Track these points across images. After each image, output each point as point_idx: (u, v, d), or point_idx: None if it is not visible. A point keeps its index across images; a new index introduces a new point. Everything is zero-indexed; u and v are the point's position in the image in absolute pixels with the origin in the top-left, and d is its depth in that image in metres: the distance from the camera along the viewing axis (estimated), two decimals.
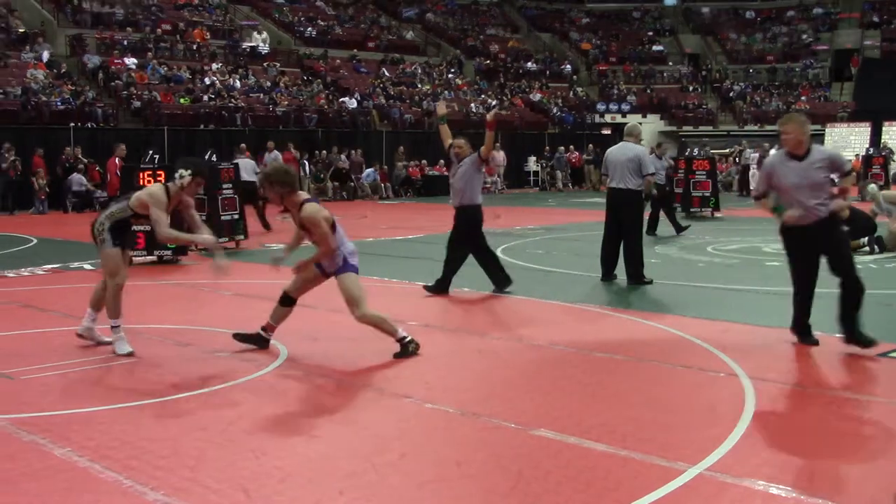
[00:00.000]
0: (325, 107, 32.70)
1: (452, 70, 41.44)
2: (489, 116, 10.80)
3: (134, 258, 12.96)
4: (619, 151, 10.95)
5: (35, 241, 16.29)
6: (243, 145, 21.78)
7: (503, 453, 4.95)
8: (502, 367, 7.04)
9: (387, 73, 37.86)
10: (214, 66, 32.98)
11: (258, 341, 7.39)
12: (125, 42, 32.11)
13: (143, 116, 28.43)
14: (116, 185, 15.83)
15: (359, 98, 34.15)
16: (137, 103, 28.61)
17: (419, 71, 39.50)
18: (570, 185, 34.76)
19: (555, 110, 40.15)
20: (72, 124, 25.96)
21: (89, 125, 26.59)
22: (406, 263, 13.18)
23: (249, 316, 9.06)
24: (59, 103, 26.54)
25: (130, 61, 30.86)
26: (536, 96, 41.01)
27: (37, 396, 6.16)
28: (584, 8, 51.84)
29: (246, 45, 35.88)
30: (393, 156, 31.59)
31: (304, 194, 7.11)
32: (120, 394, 6.22)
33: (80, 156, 24.48)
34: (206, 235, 7.58)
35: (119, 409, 5.85)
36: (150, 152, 14.10)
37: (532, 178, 35.65)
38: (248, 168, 18.62)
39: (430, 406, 5.83)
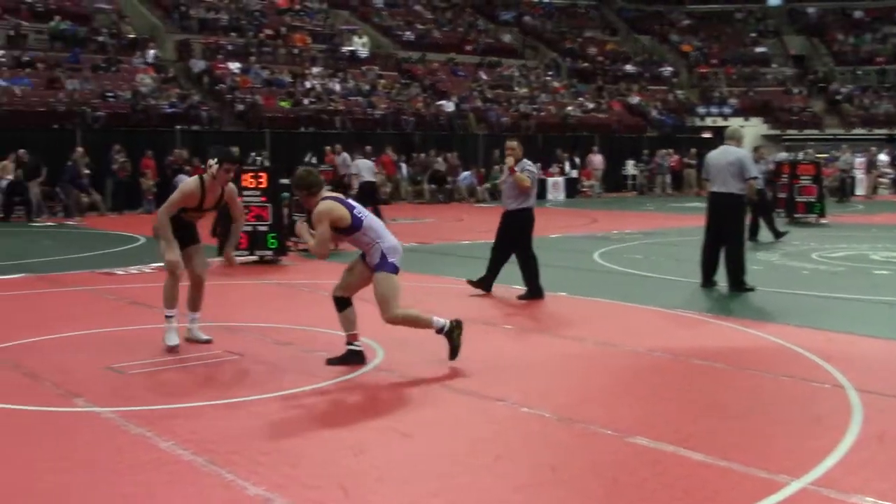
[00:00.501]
0: (423, 110, 32.93)
1: (550, 73, 41.27)
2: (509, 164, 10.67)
3: (237, 258, 13.26)
4: (720, 155, 10.74)
5: (143, 240, 16.81)
6: (369, 148, 21.94)
7: (599, 460, 4.91)
8: (599, 372, 6.98)
9: (484, 77, 37.92)
10: (315, 69, 33.54)
11: (352, 357, 7.01)
12: (229, 47, 32.93)
13: (246, 119, 29.10)
14: None
15: (456, 101, 34.29)
16: (241, 106, 29.30)
17: (516, 74, 39.43)
18: (667, 189, 34.19)
19: (653, 113, 39.61)
20: (178, 127, 26.73)
21: (195, 128, 27.34)
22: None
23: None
24: (166, 106, 27.36)
25: (234, 65, 31.63)
26: (635, 99, 40.51)
27: (144, 391, 6.37)
28: (684, 9, 50.99)
29: (345, 49, 36.40)
30: (490, 159, 31.62)
31: (326, 194, 6.94)
32: (223, 390, 6.38)
33: (186, 157, 25.19)
34: (175, 253, 7.41)
35: (222, 404, 5.99)
36: (253, 154, 14.42)
37: (630, 181, 35.24)
38: (367, 168, 18.94)
39: (526, 410, 5.81)
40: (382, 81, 34.46)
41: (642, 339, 7.92)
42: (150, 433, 5.32)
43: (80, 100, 26.04)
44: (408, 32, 39.44)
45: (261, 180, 13.34)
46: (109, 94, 27.07)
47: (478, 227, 19.43)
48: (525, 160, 10.77)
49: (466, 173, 29.94)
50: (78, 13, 31.99)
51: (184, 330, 7.73)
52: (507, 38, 43.26)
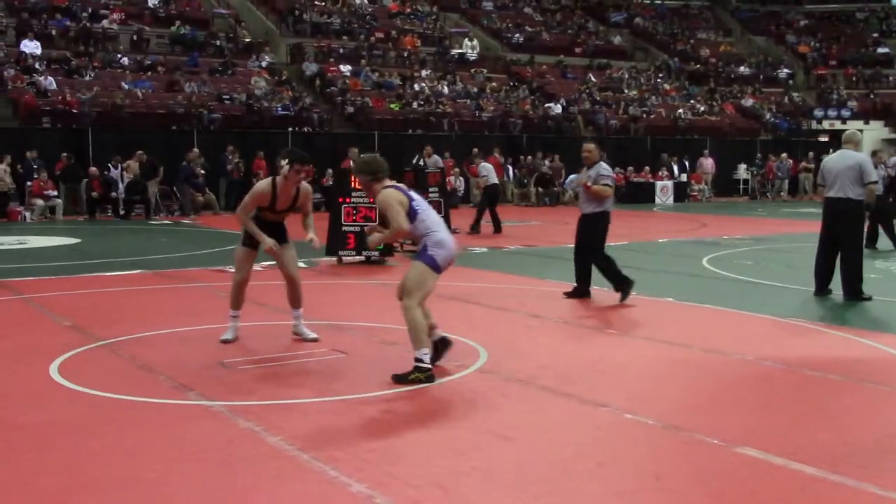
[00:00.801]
0: (531, 112, 32.85)
1: (661, 75, 40.64)
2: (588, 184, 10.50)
3: (344, 258, 13.49)
4: (838, 159, 10.38)
5: None
6: (498, 151, 21.85)
7: (705, 469, 4.80)
8: (706, 380, 6.84)
9: (593, 79, 37.58)
10: (424, 72, 33.84)
11: (442, 346, 7.00)
12: (341, 50, 33.49)
13: (356, 121, 29.54)
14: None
15: (564, 103, 34.09)
16: (351, 109, 29.76)
17: (626, 76, 38.97)
18: (783, 194, 33.24)
19: (767, 116, 38.58)
20: (290, 129, 27.32)
21: (306, 129, 27.90)
22: None
23: (450, 317, 9.23)
24: (279, 109, 27.99)
25: (345, 68, 32.16)
26: (748, 102, 39.54)
27: (253, 385, 6.53)
28: (802, 9, 49.51)
29: (455, 51, 36.58)
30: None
31: (388, 182, 6.87)
32: (329, 387, 6.48)
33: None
34: (268, 238, 7.54)
35: (327, 401, 6.10)
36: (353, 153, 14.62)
37: (741, 186, 34.40)
38: (492, 170, 19.06)
39: (630, 416, 5.73)
40: (491, 84, 34.51)
41: (752, 348, 7.72)
42: (259, 428, 5.45)
43: (198, 102, 26.88)
44: (517, 35, 39.40)
45: None
46: (225, 97, 27.86)
47: None
48: (601, 163, 10.68)
49: (574, 176, 29.69)
50: (197, 18, 33.03)
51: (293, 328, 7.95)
52: (617, 39, 42.78)
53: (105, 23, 30.48)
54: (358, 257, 13.54)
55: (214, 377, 6.77)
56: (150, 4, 32.42)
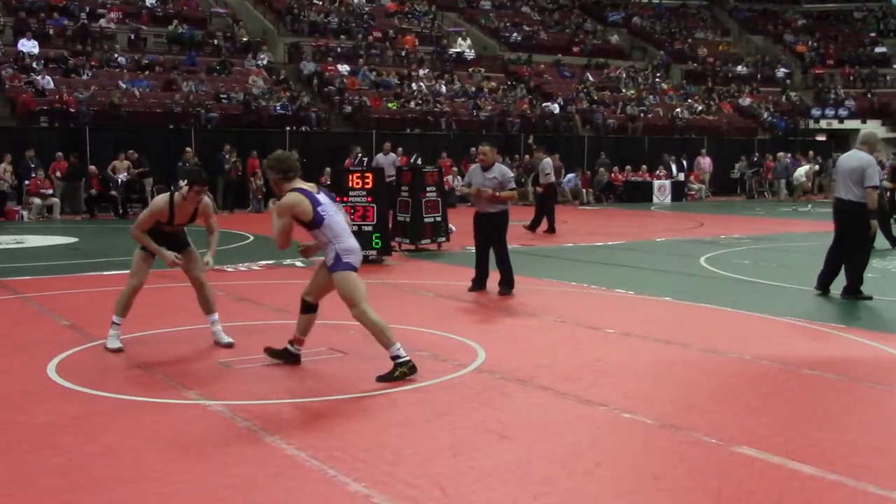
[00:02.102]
0: (528, 111, 32.86)
1: (658, 74, 40.66)
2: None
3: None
4: (846, 159, 10.38)
5: (251, 238, 17.24)
6: (557, 155, 21.57)
7: (703, 469, 4.81)
8: (704, 379, 6.84)
9: (591, 78, 37.60)
10: (422, 71, 33.84)
11: (287, 356, 7.04)
12: (339, 49, 33.49)
13: (354, 121, 29.54)
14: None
15: (562, 103, 34.10)
16: (348, 108, 29.75)
17: (624, 75, 38.99)
18: (781, 194, 33.19)
19: (765, 115, 38.61)
20: (287, 128, 27.32)
21: (304, 129, 27.89)
22: (605, 270, 13.03)
23: (448, 316, 9.24)
24: (277, 108, 27.98)
25: (343, 68, 32.15)
26: (746, 101, 39.57)
27: (251, 385, 6.53)
28: (800, 9, 49.54)
29: (452, 51, 36.58)
30: (594, 161, 31.33)
31: (299, 184, 6.75)
32: (326, 387, 6.49)
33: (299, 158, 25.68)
34: (167, 252, 7.51)
35: (325, 401, 6.10)
36: (360, 155, 14.63)
37: (739, 185, 34.42)
38: (548, 168, 19.01)
39: (628, 416, 5.74)
40: (489, 83, 34.51)
41: (749, 347, 7.73)
42: (257, 427, 5.45)
43: (195, 101, 26.86)
44: (514, 34, 39.41)
45: (367, 181, 13.52)
46: (223, 96, 27.85)
47: (581, 230, 19.29)
48: (499, 164, 10.95)
49: (571, 175, 29.72)
50: (195, 17, 33.02)
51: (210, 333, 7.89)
52: (614, 39, 42.80)
53: (103, 22, 30.46)
54: None
55: (212, 376, 6.78)
56: (147, 3, 32.39)
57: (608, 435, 5.42)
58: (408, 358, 6.62)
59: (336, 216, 6.75)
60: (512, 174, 11.05)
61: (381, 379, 6.53)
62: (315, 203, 6.63)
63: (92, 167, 23.05)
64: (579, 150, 31.83)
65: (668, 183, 30.80)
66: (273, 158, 6.88)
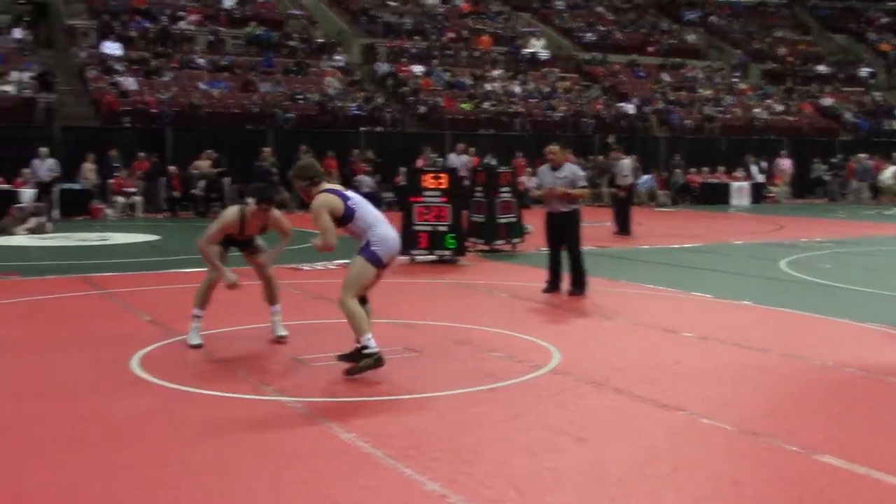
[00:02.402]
0: (603, 112, 32.60)
1: (736, 74, 39.96)
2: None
3: (416, 257, 13.55)
4: None
5: None
6: (634, 156, 21.27)
7: (784, 477, 4.71)
8: (784, 385, 6.70)
9: (667, 78, 37.13)
10: (495, 72, 33.80)
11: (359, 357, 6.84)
12: (413, 50, 33.64)
13: (428, 121, 29.65)
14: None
15: (637, 103, 33.75)
16: (422, 108, 29.88)
17: (701, 75, 38.40)
18: (864, 197, 32.30)
19: (847, 116, 37.67)
20: (362, 128, 27.54)
21: (378, 129, 28.09)
22: (682, 273, 12.86)
23: (522, 317, 9.21)
24: (352, 108, 28.23)
25: (417, 68, 32.29)
26: (827, 101, 38.65)
27: (327, 382, 6.60)
28: (883, 6, 48.18)
29: (526, 51, 36.48)
30: (670, 162, 30.94)
31: (326, 185, 6.95)
32: (401, 385, 6.52)
33: (370, 157, 25.89)
34: (230, 274, 7.57)
35: (400, 399, 6.13)
36: (433, 155, 14.68)
37: (819, 187, 33.62)
38: (626, 169, 18.90)
39: (707, 421, 5.65)
40: (563, 83, 34.34)
41: (832, 353, 7.55)
42: (333, 424, 5.50)
43: (272, 102, 27.24)
44: (589, 34, 39.13)
45: (441, 181, 13.56)
46: (299, 97, 28.19)
47: (656, 232, 19.06)
48: (568, 164, 10.96)
49: (647, 177, 29.35)
50: (272, 19, 33.49)
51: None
52: (691, 38, 42.19)
53: (183, 24, 31.10)
54: (430, 256, 13.58)
55: (290, 373, 6.87)
56: (225, 6, 32.96)
57: (686, 440, 5.34)
58: (376, 350, 6.58)
59: (367, 206, 6.94)
60: (583, 173, 11.04)
61: (348, 372, 6.59)
62: (344, 198, 6.84)
63: (172, 167, 23.53)
64: (654, 150, 31.46)
65: (746, 185, 30.24)
66: (298, 168, 7.12)
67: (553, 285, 10.77)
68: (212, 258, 7.67)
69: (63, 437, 5.27)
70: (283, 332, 7.95)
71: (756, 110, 35.67)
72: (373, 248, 6.79)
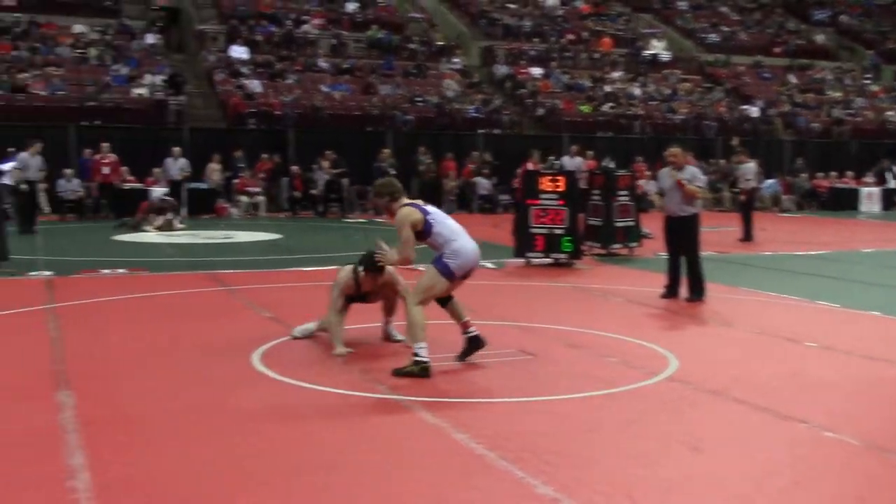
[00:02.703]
0: (726, 114, 31.85)
1: (868, 76, 38.45)
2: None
3: (531, 260, 13.53)
4: None
5: None
6: (760, 159, 20.75)
7: None
8: None
9: (793, 80, 36.03)
10: (615, 74, 33.43)
11: (471, 346, 7.24)
12: (532, 52, 33.58)
13: (546, 123, 29.55)
14: (520, 190, 16.63)
15: (762, 105, 32.85)
16: (541, 111, 29.79)
17: (829, 77, 37.12)
18: None
19: None
20: (480, 131, 27.64)
21: (496, 131, 28.15)
22: (806, 280, 12.46)
23: (638, 323, 9.09)
24: (470, 111, 28.37)
25: (536, 70, 32.22)
26: None
27: (442, 383, 6.66)
28: None
29: (647, 52, 35.96)
30: (793, 166, 30.01)
31: (406, 200, 7.21)
32: (516, 388, 6.52)
33: (487, 159, 25.98)
34: (342, 347, 7.56)
35: (514, 402, 6.14)
36: (551, 159, 14.64)
37: None
38: (749, 173, 18.53)
39: (830, 434, 5.46)
40: (684, 85, 33.70)
41: None
42: (446, 424, 5.55)
43: (392, 104, 27.61)
44: (712, 35, 38.30)
45: (558, 184, 13.49)
46: (418, 99, 28.50)
47: (780, 238, 18.52)
48: (689, 167, 10.78)
49: (771, 181, 28.54)
50: (392, 22, 33.95)
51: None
52: (820, 38, 40.82)
53: (306, 28, 31.82)
54: (546, 259, 13.53)
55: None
56: (348, 10, 33.57)
57: (808, 453, 5.18)
58: (426, 360, 6.75)
59: (446, 221, 7.16)
60: (703, 176, 10.84)
61: (395, 372, 6.77)
62: (424, 213, 7.09)
63: (295, 168, 24.08)
64: (779, 154, 30.56)
65: (877, 190, 29.07)
66: (379, 185, 7.41)
67: (671, 290, 10.60)
68: (334, 329, 7.72)
69: (188, 427, 5.48)
70: (400, 337, 8.01)
71: (889, 113, 34.26)
72: (445, 259, 7.01)
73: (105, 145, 21.85)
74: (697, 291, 10.44)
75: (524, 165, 18.01)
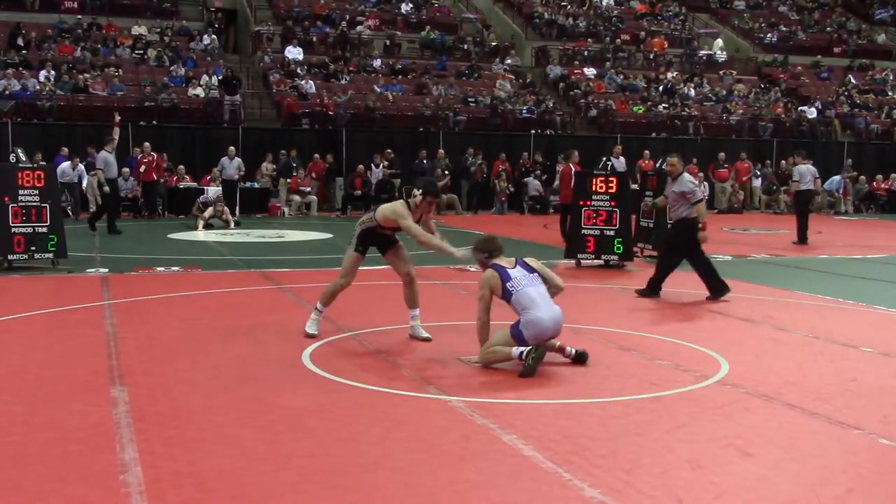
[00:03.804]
0: (783, 116, 31.38)
1: None
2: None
3: (582, 261, 13.45)
4: None
5: None
6: (811, 161, 20.58)
7: None
8: None
9: (853, 80, 35.36)
10: (670, 74, 33.12)
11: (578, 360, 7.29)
12: (585, 52, 33.41)
13: (599, 124, 29.37)
14: (568, 191, 16.53)
15: (819, 106, 32.30)
16: (594, 111, 29.63)
17: (891, 77, 36.37)
18: None
19: None
20: (532, 131, 27.57)
21: (548, 132, 28.05)
22: (863, 285, 12.23)
23: (690, 326, 9.00)
24: (523, 111, 28.31)
25: (589, 71, 32.05)
26: None
27: (489, 383, 6.66)
28: None
29: (703, 53, 35.56)
30: (848, 168, 29.42)
31: (500, 261, 7.27)
32: (564, 389, 6.49)
33: (539, 160, 25.91)
34: (447, 245, 7.75)
35: (562, 403, 6.11)
36: (604, 159, 14.56)
37: None
38: (799, 175, 18.28)
39: (887, 442, 5.35)
40: (740, 86, 33.27)
41: None
42: (494, 425, 5.54)
43: (444, 104, 27.66)
44: (770, 34, 37.76)
45: (611, 185, 13.40)
46: (471, 99, 28.51)
47: (836, 241, 18.19)
48: (685, 174, 10.94)
49: (836, 178, 27.97)
50: (446, 23, 34.02)
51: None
52: (881, 38, 40.02)
53: (360, 29, 32.00)
54: (596, 261, 13.45)
55: (452, 372, 6.96)
56: (402, 11, 33.70)
57: (863, 461, 5.07)
58: (530, 348, 6.87)
59: (526, 289, 7.10)
60: (693, 187, 10.78)
61: (523, 374, 6.80)
62: (504, 279, 7.11)
63: (360, 167, 24.15)
64: (838, 156, 30.01)
65: None
66: (482, 240, 7.51)
67: (652, 290, 10.79)
68: (433, 241, 7.83)
69: (238, 424, 5.53)
70: (425, 335, 8.06)
71: None
72: (521, 328, 7.03)
73: (146, 144, 21.93)
74: (717, 290, 10.58)
75: (566, 166, 17.91)
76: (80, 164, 21.65)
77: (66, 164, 21.17)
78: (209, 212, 19.48)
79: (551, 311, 7.07)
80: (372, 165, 24.25)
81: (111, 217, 17.85)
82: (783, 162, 28.26)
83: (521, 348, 6.91)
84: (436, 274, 12.27)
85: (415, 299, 8.19)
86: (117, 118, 17.73)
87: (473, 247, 7.46)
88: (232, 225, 19.60)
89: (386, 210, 8.01)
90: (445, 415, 5.81)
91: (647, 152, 25.36)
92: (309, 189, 23.87)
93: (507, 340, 7.07)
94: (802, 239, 17.42)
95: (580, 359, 7.21)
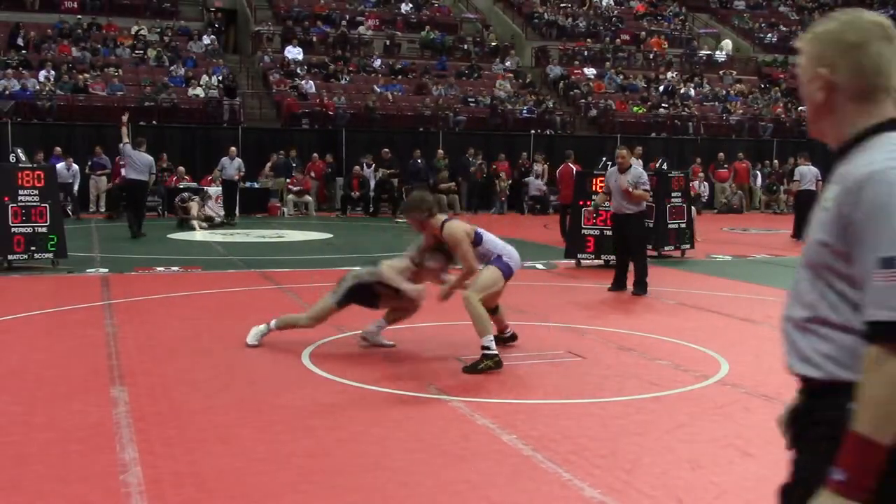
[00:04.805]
0: (783, 116, 31.39)
1: None
2: None
3: (582, 261, 13.45)
4: None
5: None
6: (806, 153, 20.42)
7: None
8: None
9: None
10: (670, 74, 33.13)
11: (505, 342, 7.58)
12: (585, 52, 33.42)
13: (599, 124, 29.38)
14: (568, 191, 16.53)
15: None
16: (594, 112, 29.63)
17: None
18: None
19: None
20: (532, 131, 27.58)
21: (548, 132, 28.06)
22: None
23: (690, 326, 8.99)
24: (523, 111, 28.32)
25: (589, 71, 32.06)
26: None
27: (489, 383, 6.64)
28: None
29: (703, 53, 35.57)
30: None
31: (442, 216, 7.28)
32: (564, 389, 6.49)
33: (538, 160, 25.93)
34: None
35: (562, 403, 6.11)
36: (604, 159, 14.56)
37: None
38: (799, 175, 18.26)
39: None
40: (739, 86, 33.28)
41: None
42: (494, 425, 5.54)
43: (444, 104, 27.66)
44: (770, 35, 37.77)
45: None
46: (470, 100, 28.52)
47: None
48: (635, 167, 11.14)
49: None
50: (446, 23, 34.02)
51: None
52: None
53: (361, 29, 32.01)
54: (596, 261, 13.45)
55: (452, 373, 6.95)
56: (402, 11, 33.71)
57: None
58: (496, 353, 6.84)
59: (489, 233, 7.30)
60: (646, 178, 11.13)
61: (466, 369, 6.81)
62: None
63: (356, 168, 24.18)
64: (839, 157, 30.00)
65: None
66: (412, 202, 7.43)
67: (618, 284, 10.96)
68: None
69: (237, 424, 5.53)
70: (388, 343, 7.77)
71: None
72: (505, 259, 7.20)
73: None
74: (641, 286, 10.80)
75: (565, 166, 17.96)
76: (73, 165, 21.60)
77: (60, 165, 21.14)
78: (195, 209, 19.47)
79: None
80: (364, 166, 24.24)
81: (139, 219, 17.19)
82: (790, 159, 28.28)
83: (493, 343, 6.87)
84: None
85: (395, 320, 7.85)
86: (124, 118, 17.67)
87: (403, 212, 7.34)
88: (217, 220, 19.61)
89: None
90: (445, 415, 5.81)
91: (639, 148, 25.31)
92: (301, 188, 23.82)
93: (496, 277, 7.14)
94: (798, 234, 17.48)
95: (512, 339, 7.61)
